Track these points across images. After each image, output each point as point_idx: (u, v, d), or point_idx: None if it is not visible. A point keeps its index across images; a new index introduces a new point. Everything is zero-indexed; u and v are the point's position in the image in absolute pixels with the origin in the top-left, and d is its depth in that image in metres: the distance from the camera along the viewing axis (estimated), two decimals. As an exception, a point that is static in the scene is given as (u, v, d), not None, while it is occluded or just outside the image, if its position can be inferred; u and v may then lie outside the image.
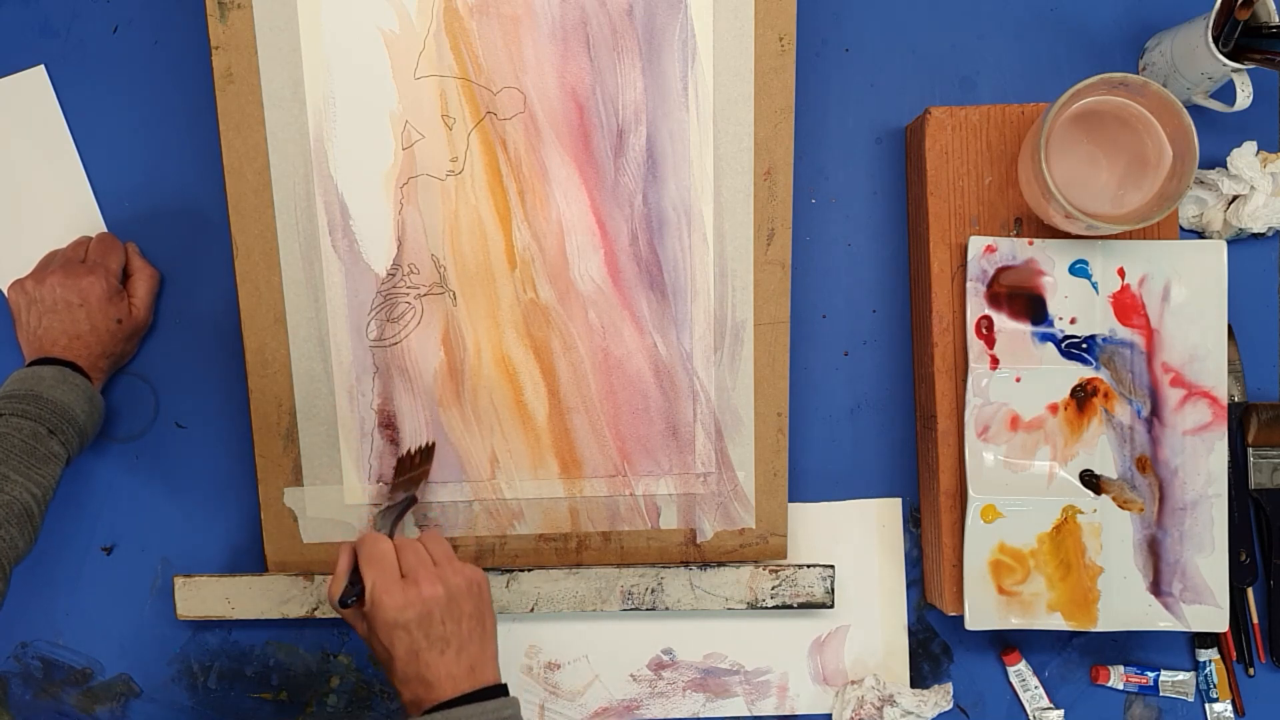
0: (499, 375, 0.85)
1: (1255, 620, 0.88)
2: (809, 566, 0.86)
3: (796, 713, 0.89)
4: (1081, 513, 0.83)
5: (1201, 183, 0.86)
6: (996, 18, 0.89)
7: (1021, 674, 0.88)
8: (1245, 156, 0.84)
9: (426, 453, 0.84)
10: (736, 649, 0.89)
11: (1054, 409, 0.83)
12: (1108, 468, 0.83)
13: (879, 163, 0.89)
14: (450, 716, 0.68)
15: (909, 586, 0.89)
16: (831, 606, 0.86)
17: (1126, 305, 0.83)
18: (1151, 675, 0.88)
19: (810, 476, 0.89)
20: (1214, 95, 0.84)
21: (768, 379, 0.85)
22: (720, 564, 0.86)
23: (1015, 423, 0.83)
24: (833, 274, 0.89)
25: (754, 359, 0.85)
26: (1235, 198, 0.85)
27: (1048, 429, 0.83)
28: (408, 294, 0.84)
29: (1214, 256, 0.82)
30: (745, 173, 0.82)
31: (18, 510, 0.74)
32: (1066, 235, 0.82)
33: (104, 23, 0.89)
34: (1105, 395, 0.83)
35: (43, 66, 0.88)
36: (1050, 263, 0.82)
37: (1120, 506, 0.83)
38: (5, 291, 0.87)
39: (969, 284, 0.82)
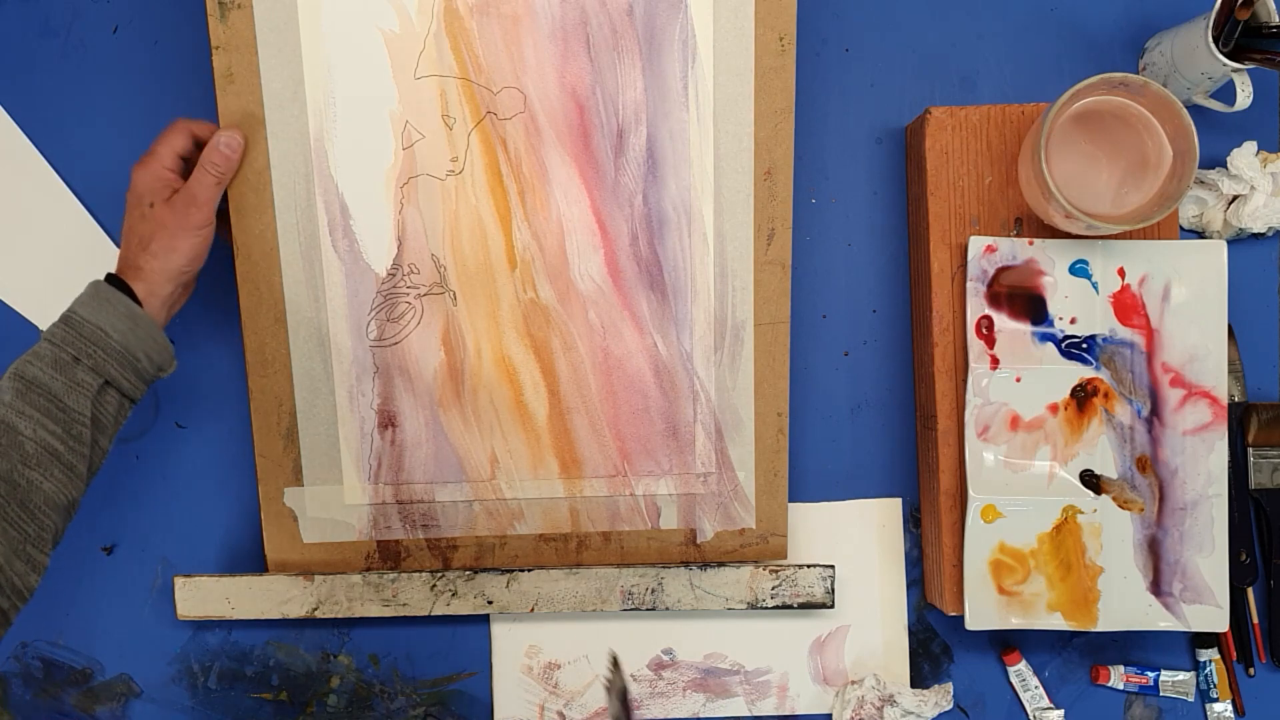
0: (499, 375, 0.85)
1: (1255, 620, 0.88)
2: (809, 566, 0.86)
3: (796, 713, 0.89)
4: (1081, 513, 0.83)
5: (1201, 183, 0.86)
6: (996, 18, 0.89)
7: (1021, 674, 0.88)
8: (1245, 156, 0.84)
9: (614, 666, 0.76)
10: (736, 649, 0.89)
11: (1054, 409, 0.83)
12: (1108, 468, 0.83)
13: (879, 163, 0.89)
14: None
15: (909, 586, 0.89)
16: (831, 606, 0.86)
17: (1126, 305, 0.83)
18: (1151, 675, 0.88)
19: (810, 476, 0.89)
20: (1214, 95, 0.84)
21: (768, 379, 0.85)
22: (720, 564, 0.86)
23: (1015, 423, 0.83)
24: (833, 274, 0.89)
25: (754, 359, 0.85)
26: (1235, 198, 0.85)
27: (1048, 429, 0.83)
28: (408, 294, 0.84)
29: (1214, 256, 0.82)
30: (745, 173, 0.82)
31: (33, 451, 0.70)
32: (1066, 235, 0.82)
33: (104, 23, 0.89)
34: (1105, 395, 0.83)
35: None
36: (1050, 263, 0.82)
37: (1120, 506, 0.83)
38: None
39: (969, 284, 0.82)
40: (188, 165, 0.79)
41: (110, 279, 0.75)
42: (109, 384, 0.73)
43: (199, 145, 0.79)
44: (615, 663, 0.74)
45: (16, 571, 0.69)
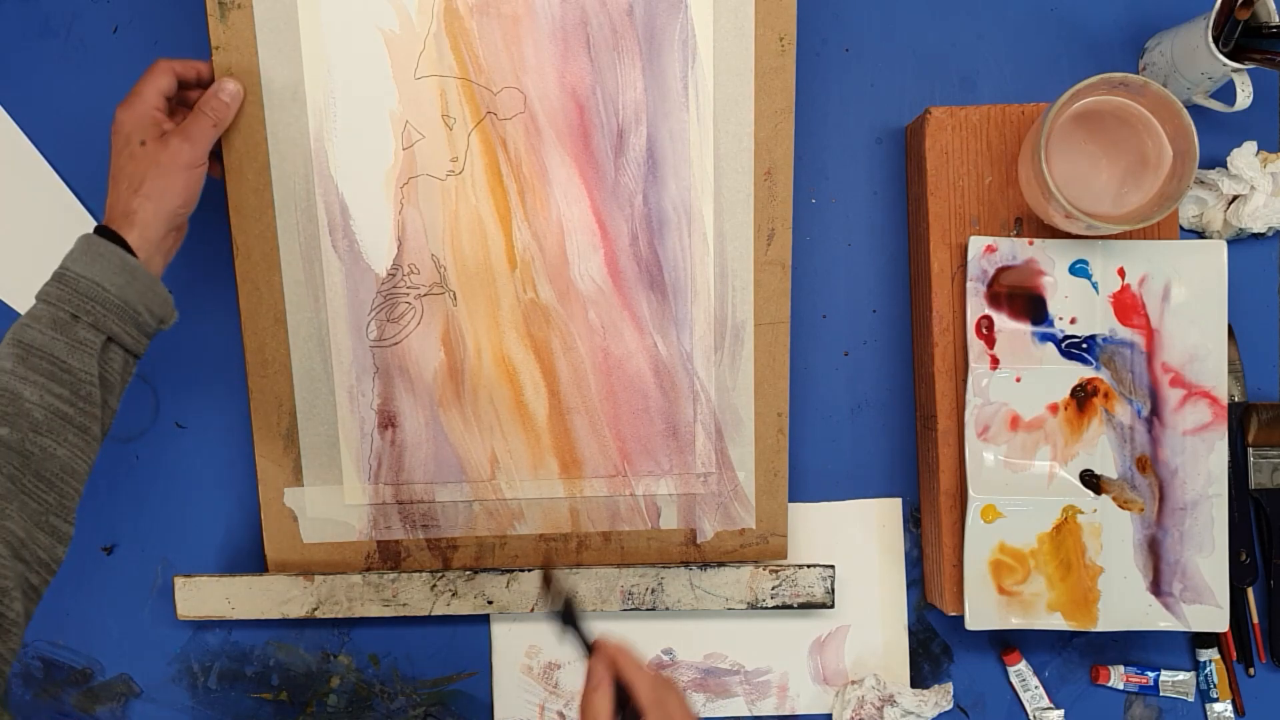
0: (499, 375, 0.85)
1: (1255, 620, 0.88)
2: (809, 566, 0.86)
3: (796, 713, 0.89)
4: (1081, 513, 0.83)
5: (1201, 183, 0.86)
6: (996, 18, 0.89)
7: (1021, 674, 0.88)
8: (1245, 156, 0.84)
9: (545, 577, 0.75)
10: (736, 649, 0.89)
11: (1054, 409, 0.83)
12: (1108, 468, 0.83)
13: (879, 163, 0.89)
14: None
15: (909, 586, 0.89)
16: (831, 606, 0.86)
17: (1126, 305, 0.83)
18: (1151, 675, 0.88)
19: (810, 476, 0.89)
20: (1214, 95, 0.84)
21: (768, 379, 0.85)
22: (720, 564, 0.86)
23: (1015, 423, 0.83)
24: (833, 274, 0.89)
25: (754, 359, 0.85)
26: (1235, 198, 0.85)
27: (1048, 429, 0.83)
28: (408, 294, 0.84)
29: (1214, 256, 0.82)
30: (745, 173, 0.82)
31: (42, 418, 0.68)
32: (1066, 235, 0.82)
33: (104, 23, 0.89)
34: (1105, 395, 0.83)
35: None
36: (1050, 263, 0.82)
37: (1120, 506, 0.83)
38: None
39: (969, 284, 0.82)
40: (171, 107, 0.78)
41: (100, 230, 0.72)
42: (111, 340, 0.71)
43: (183, 86, 0.78)
44: (547, 577, 0.73)
45: (41, 544, 0.67)
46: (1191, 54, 0.81)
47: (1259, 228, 0.85)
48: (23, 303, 0.89)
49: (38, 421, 0.68)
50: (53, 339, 0.69)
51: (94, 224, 0.88)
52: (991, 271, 0.82)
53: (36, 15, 0.88)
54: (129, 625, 0.89)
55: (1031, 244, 0.82)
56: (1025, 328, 0.83)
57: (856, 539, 0.89)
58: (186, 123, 0.76)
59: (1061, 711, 0.88)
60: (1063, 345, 0.83)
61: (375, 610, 0.85)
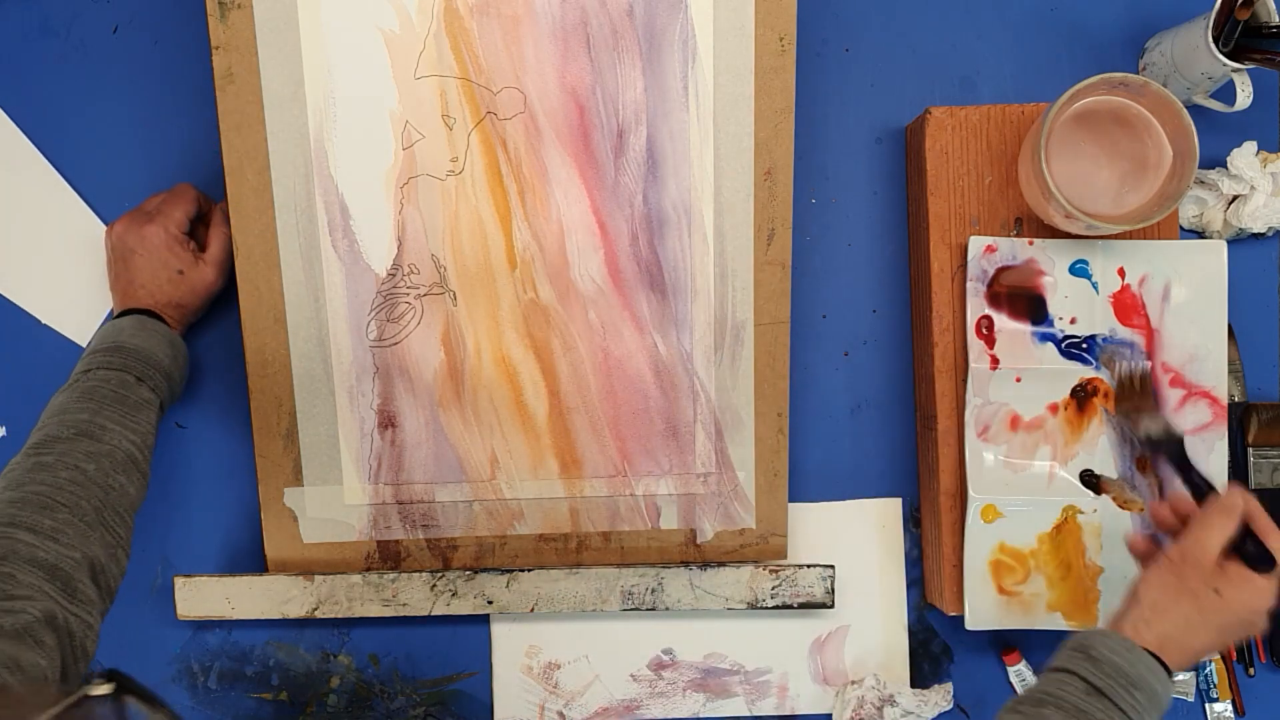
0: (499, 375, 0.85)
1: (1255, 620, 0.88)
2: (809, 566, 0.86)
3: (796, 713, 0.89)
4: (1081, 513, 0.83)
5: (1201, 183, 0.86)
6: (996, 18, 0.89)
7: (1021, 674, 0.88)
8: (1245, 156, 0.84)
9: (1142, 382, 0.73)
10: (736, 649, 0.89)
11: (1054, 409, 0.83)
12: (1108, 468, 0.83)
13: (879, 163, 0.89)
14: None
15: (909, 586, 0.89)
16: (831, 606, 0.86)
17: (1126, 305, 0.83)
18: (1151, 675, 0.88)
19: (810, 476, 0.89)
20: (1214, 95, 0.84)
21: (768, 379, 0.85)
22: (720, 564, 0.86)
23: (1015, 423, 0.83)
24: (833, 274, 0.89)
25: (754, 359, 0.85)
26: (1235, 198, 0.85)
27: (1048, 429, 0.83)
28: (408, 294, 0.84)
29: (1214, 256, 0.82)
30: (745, 173, 0.82)
31: (120, 458, 0.73)
32: (1066, 235, 0.82)
33: (104, 23, 0.89)
34: (1105, 395, 0.83)
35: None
36: (1050, 263, 0.82)
37: (1120, 506, 0.83)
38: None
39: (969, 284, 0.82)
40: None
41: (145, 312, 0.82)
42: (162, 404, 0.79)
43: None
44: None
45: (112, 574, 0.70)
46: (1191, 54, 0.81)
47: (1259, 228, 0.85)
48: (24, 300, 0.89)
49: (117, 461, 0.73)
50: (123, 395, 0.76)
51: (96, 221, 0.88)
52: (991, 271, 0.82)
53: (36, 15, 0.88)
54: (129, 625, 0.89)
55: (1031, 244, 0.82)
56: (1025, 328, 0.83)
57: (856, 539, 0.89)
58: (212, 248, 0.84)
59: (1061, 711, 0.88)
60: (1063, 345, 0.83)
61: (375, 610, 0.85)
